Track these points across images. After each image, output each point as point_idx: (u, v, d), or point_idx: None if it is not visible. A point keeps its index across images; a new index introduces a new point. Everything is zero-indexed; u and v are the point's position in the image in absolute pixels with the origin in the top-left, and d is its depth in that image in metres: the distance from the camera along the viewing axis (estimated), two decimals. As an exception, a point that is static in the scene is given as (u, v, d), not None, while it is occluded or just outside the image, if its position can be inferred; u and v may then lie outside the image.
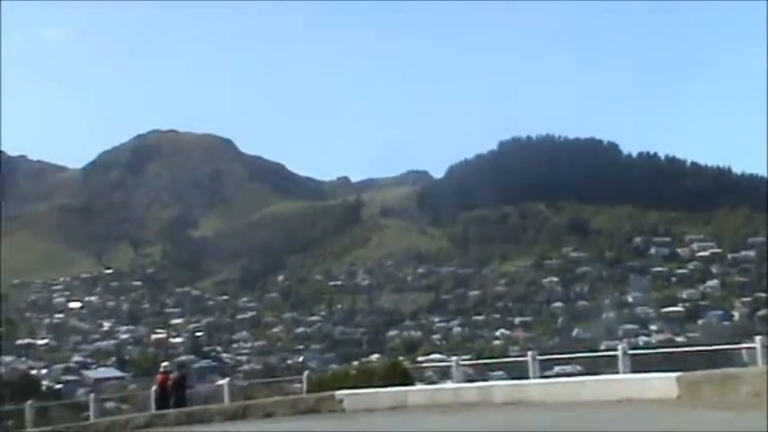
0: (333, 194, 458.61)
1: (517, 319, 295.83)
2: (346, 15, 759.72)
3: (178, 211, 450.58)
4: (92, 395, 35.01)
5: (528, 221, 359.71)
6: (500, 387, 24.76)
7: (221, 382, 32.17)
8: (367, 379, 31.85)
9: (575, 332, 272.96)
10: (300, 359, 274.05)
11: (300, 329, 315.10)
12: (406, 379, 30.94)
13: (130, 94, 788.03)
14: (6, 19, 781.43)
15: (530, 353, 29.48)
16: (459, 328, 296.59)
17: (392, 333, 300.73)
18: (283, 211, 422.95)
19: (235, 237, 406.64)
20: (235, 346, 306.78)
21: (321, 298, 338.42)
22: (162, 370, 37.75)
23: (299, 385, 36.52)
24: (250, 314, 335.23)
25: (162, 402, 35.54)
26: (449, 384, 27.37)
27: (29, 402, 34.88)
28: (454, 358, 32.20)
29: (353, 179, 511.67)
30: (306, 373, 36.37)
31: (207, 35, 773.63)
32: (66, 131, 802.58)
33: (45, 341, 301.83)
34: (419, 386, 28.15)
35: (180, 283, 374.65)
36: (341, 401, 27.21)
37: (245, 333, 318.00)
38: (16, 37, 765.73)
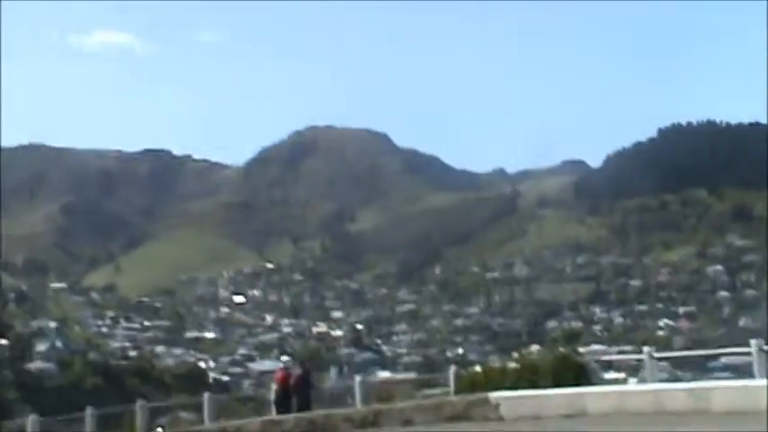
0: (489, 186, 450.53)
1: (681, 309, 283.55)
2: (500, 7, 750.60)
3: (336, 206, 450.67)
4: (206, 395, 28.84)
5: (689, 209, 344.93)
6: (721, 390, 17.65)
7: (383, 374, 25.94)
8: (530, 375, 25.05)
9: (741, 322, 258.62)
10: (459, 351, 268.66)
11: (458, 321, 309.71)
12: (580, 377, 23.96)
13: (287, 92, 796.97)
14: (164, 23, 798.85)
15: (753, 342, 21.93)
16: (620, 319, 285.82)
17: (551, 324, 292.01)
18: (439, 204, 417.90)
19: (392, 230, 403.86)
20: (394, 338, 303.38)
21: (478, 290, 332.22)
22: (281, 366, 31.27)
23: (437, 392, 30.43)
24: (408, 307, 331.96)
25: (283, 404, 29.18)
26: (646, 385, 20.04)
27: (207, 395, 29.27)
28: (646, 349, 24.85)
29: (509, 170, 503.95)
30: (453, 369, 29.29)
31: (361, 32, 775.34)
32: (228, 130, 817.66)
33: (212, 334, 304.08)
34: (600, 387, 20.94)
35: (339, 277, 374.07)
36: (497, 406, 20.49)
37: (404, 325, 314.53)
38: (175, 40, 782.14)
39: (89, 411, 27.04)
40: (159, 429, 32.99)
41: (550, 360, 25.94)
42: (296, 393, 28.88)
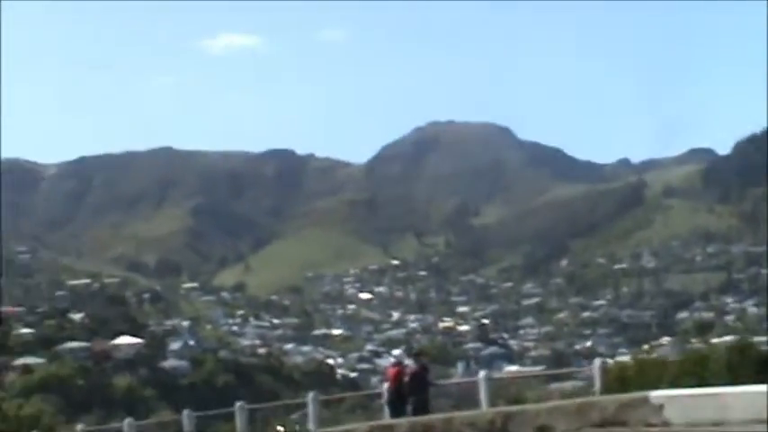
0: (614, 177, 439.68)
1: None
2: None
3: (459, 201, 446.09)
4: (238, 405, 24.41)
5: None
6: None
7: (511, 368, 20.89)
8: (696, 369, 20.17)
9: None
10: (588, 344, 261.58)
11: (586, 314, 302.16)
12: (763, 372, 18.93)
13: (409, 88, 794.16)
14: (288, 23, 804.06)
15: None
16: (754, 309, 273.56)
17: (682, 315, 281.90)
18: (564, 196, 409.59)
19: (516, 223, 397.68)
20: (521, 332, 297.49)
21: (606, 282, 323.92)
22: (394, 360, 26.17)
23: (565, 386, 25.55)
24: (535, 300, 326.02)
25: (397, 405, 24.47)
26: None
27: (311, 396, 25.05)
28: None
29: (634, 160, 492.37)
30: (598, 361, 23.76)
31: (481, 26, 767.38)
32: (349, 128, 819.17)
33: (339, 331, 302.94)
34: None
35: (464, 272, 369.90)
36: (660, 408, 15.69)
37: (530, 319, 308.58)
38: (298, 40, 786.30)
39: (239, 405, 23.50)
40: (280, 429, 30.17)
41: (723, 351, 21.03)
42: (411, 392, 24.15)
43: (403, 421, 19.91)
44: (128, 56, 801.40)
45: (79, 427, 26.29)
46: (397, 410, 24.14)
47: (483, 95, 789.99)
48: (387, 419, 23.62)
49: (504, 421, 17.39)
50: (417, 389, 24.02)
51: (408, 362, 25.31)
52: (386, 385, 25.15)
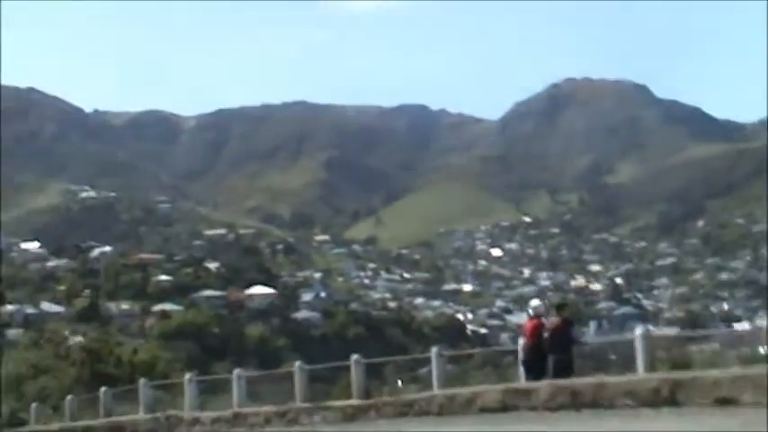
0: (755, 136, 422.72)
1: None
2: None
3: (593, 158, 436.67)
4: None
5: None
6: None
7: (638, 332, 16.83)
8: None
9: None
10: (725, 307, 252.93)
11: (723, 275, 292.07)
12: None
13: (543, 45, 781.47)
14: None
15: None
16: None
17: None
18: (701, 155, 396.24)
19: (651, 182, 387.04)
20: (655, 292, 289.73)
21: (744, 243, 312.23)
22: (531, 313, 22.07)
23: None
24: (670, 260, 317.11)
25: (534, 365, 20.65)
26: None
27: (434, 351, 21.30)
28: None
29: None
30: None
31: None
32: (482, 84, 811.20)
33: (469, 287, 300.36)
34: None
35: (597, 230, 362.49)
36: None
37: (664, 279, 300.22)
38: None
39: (355, 358, 20.75)
40: (399, 382, 27.68)
41: None
42: (552, 350, 20.34)
43: (542, 385, 16.69)
44: (267, 10, 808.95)
45: (188, 375, 23.80)
46: (533, 371, 20.66)
47: (620, 52, 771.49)
48: (522, 381, 20.36)
49: (671, 390, 13.98)
50: (559, 346, 20.36)
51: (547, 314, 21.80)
52: (522, 341, 21.51)
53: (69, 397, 30.56)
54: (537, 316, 21.62)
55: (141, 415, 26.22)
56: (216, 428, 22.52)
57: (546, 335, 20.76)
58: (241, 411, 22.29)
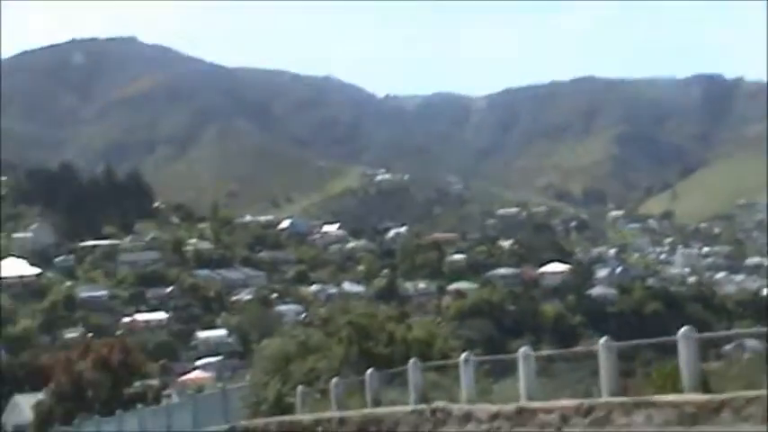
0: None
1: None
2: None
3: None
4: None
5: None
6: None
7: None
8: None
9: None
10: None
11: None
12: None
13: None
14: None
15: None
16: None
17: None
18: None
19: None
20: None
21: None
22: None
23: None
24: None
25: None
26: None
27: None
28: None
29: None
30: None
31: None
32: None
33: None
34: None
35: None
36: None
37: None
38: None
39: (684, 331, 14.56)
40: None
41: None
42: None
43: None
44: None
45: (463, 355, 18.14)
46: None
47: None
48: None
49: None
50: None
51: None
52: None
53: (335, 380, 25.76)
54: None
55: (407, 406, 20.96)
56: (494, 427, 16.81)
57: None
58: (528, 406, 16.35)
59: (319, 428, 22.79)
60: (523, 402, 16.98)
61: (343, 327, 29.71)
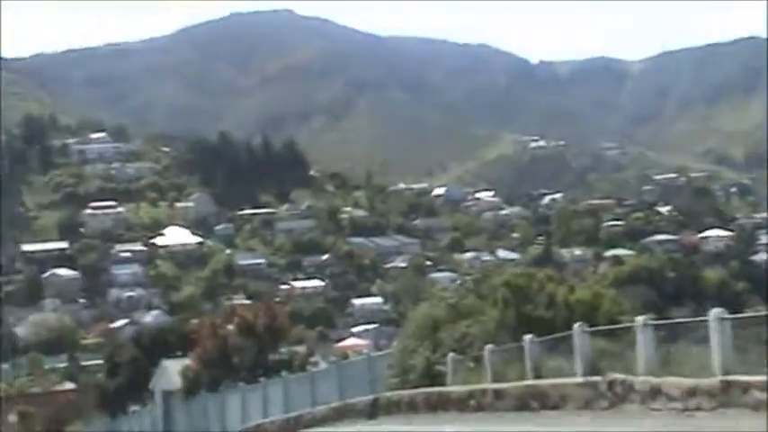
0: None
1: None
2: None
3: None
4: None
5: None
6: None
7: None
8: None
9: None
10: None
11: None
12: None
13: None
14: None
15: None
16: None
17: None
18: None
19: None
20: None
21: None
22: None
23: None
24: None
25: None
26: None
27: None
28: None
29: None
30: None
31: None
32: None
33: None
34: None
35: None
36: None
37: None
38: None
39: None
40: None
41: None
42: None
43: None
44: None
45: (641, 319, 14.71)
46: None
47: None
48: None
49: None
50: None
51: None
52: None
53: (489, 347, 22.64)
54: None
55: (574, 378, 17.59)
56: (691, 405, 13.32)
57: None
58: (732, 379, 12.83)
59: (472, 401, 19.62)
60: (723, 376, 13.46)
61: (498, 288, 26.50)
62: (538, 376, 20.20)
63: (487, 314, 26.22)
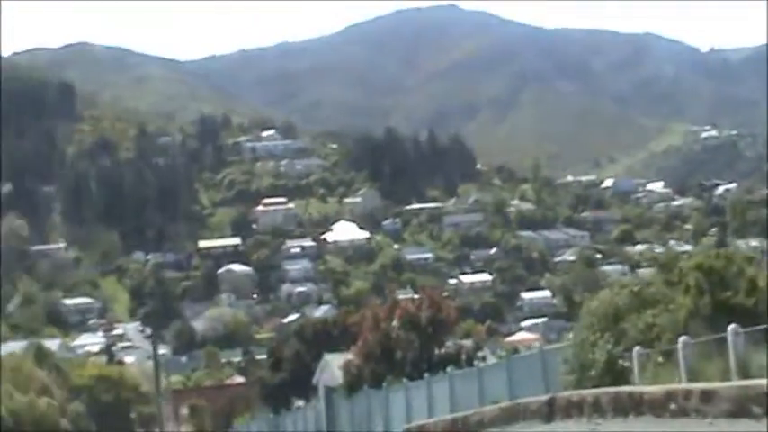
0: None
1: None
2: None
3: None
4: None
5: None
6: None
7: None
8: None
9: None
10: None
11: None
12: None
13: None
14: None
15: None
16: None
17: None
18: None
19: None
20: None
21: None
22: None
23: None
24: None
25: None
26: None
27: None
28: None
29: None
30: None
31: None
32: None
33: None
34: None
35: None
36: None
37: None
38: None
39: None
40: None
41: None
42: None
43: None
44: None
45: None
46: None
47: None
48: None
49: None
50: None
51: None
52: None
53: (682, 338, 19.22)
54: None
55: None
56: None
57: None
58: None
59: (672, 405, 16.31)
60: None
61: (690, 272, 22.92)
62: (745, 374, 16.75)
63: (678, 302, 22.75)
